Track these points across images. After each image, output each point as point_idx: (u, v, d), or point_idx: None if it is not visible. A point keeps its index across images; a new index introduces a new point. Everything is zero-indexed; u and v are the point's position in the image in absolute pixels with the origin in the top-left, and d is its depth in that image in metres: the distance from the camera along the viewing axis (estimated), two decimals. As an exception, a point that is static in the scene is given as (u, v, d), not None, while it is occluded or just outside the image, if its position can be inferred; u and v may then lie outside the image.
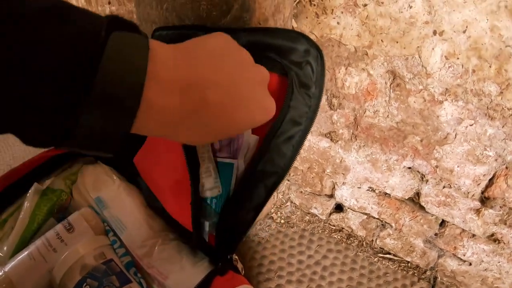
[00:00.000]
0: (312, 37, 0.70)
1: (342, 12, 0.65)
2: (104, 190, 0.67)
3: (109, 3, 1.12)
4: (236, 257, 0.49)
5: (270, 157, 0.46)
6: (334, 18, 0.66)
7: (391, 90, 0.66)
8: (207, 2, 0.65)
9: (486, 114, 0.60)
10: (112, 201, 0.65)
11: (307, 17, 0.69)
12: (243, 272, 0.52)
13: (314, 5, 0.67)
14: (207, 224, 0.55)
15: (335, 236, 0.83)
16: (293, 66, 0.46)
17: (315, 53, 0.45)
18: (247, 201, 0.48)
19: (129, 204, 0.63)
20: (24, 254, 0.60)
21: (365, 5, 0.62)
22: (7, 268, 0.58)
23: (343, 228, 0.86)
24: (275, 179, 0.47)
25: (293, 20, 0.70)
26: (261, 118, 0.34)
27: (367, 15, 0.63)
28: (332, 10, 0.66)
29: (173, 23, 0.72)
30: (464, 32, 0.56)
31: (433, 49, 0.59)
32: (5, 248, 0.63)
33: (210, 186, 0.51)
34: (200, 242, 0.52)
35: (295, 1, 0.71)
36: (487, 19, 0.53)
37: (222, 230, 0.50)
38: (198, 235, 0.52)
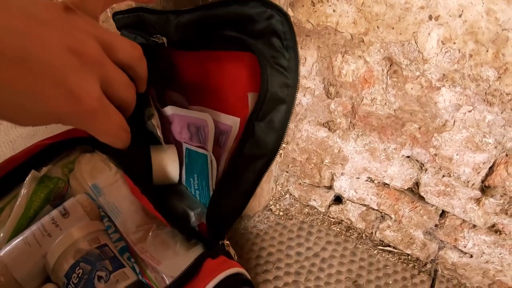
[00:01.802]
0: (309, 25, 0.70)
1: (338, 0, 0.65)
2: (101, 177, 0.67)
3: None
4: (228, 242, 0.49)
5: (255, 139, 0.44)
6: (330, 5, 0.66)
7: (388, 77, 0.66)
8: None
9: (484, 100, 0.59)
10: (108, 188, 0.65)
11: (303, 6, 0.69)
12: (235, 257, 0.52)
13: (310, -7, 0.67)
14: (192, 214, 0.55)
15: (334, 228, 0.82)
16: (258, 39, 0.42)
17: (279, 18, 0.40)
18: (236, 188, 0.47)
19: (124, 191, 0.63)
20: (19, 239, 0.61)
21: (361, -9, 0.62)
22: (1, 252, 0.58)
23: (342, 220, 0.86)
24: (264, 162, 0.46)
25: (289, 8, 0.70)
26: (64, 107, 0.24)
27: (362, 2, 0.62)
28: (328, -3, 0.66)
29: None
30: (460, 16, 0.55)
31: (429, 34, 0.59)
32: (1, 235, 0.64)
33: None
34: (182, 231, 0.52)
35: (291, -10, 0.72)
36: (483, 3, 0.52)
37: (213, 219, 0.50)
38: (174, 225, 0.52)
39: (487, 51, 0.56)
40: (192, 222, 0.53)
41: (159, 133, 0.52)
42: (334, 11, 0.66)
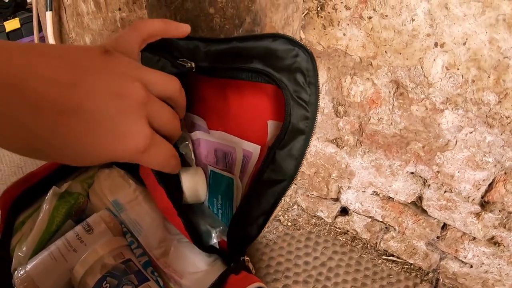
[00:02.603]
0: (319, 47, 0.73)
1: (348, 24, 0.68)
2: (121, 193, 0.70)
3: (120, 9, 1.17)
4: (248, 258, 0.52)
5: (276, 166, 0.48)
6: (340, 29, 0.70)
7: (394, 99, 0.70)
8: (220, 16, 0.68)
9: (485, 122, 0.63)
10: (129, 204, 0.68)
11: (314, 28, 0.73)
12: (253, 272, 0.55)
13: (321, 17, 0.71)
14: (214, 231, 0.59)
15: (340, 239, 0.86)
16: (283, 73, 0.46)
17: (304, 56, 0.43)
18: (256, 209, 0.51)
19: (145, 207, 0.66)
20: (45, 253, 0.62)
21: (370, 17, 0.65)
22: (28, 267, 0.60)
23: (348, 230, 0.89)
24: (283, 186, 0.49)
25: (300, 31, 0.74)
26: (118, 150, 0.26)
27: (371, 27, 0.66)
28: (339, 22, 0.69)
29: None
30: (464, 44, 0.59)
31: (434, 60, 0.62)
32: (24, 249, 0.66)
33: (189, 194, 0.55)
34: (203, 249, 0.55)
35: (302, 13, 0.75)
36: (486, 32, 0.56)
37: (234, 237, 0.53)
38: (198, 243, 0.55)
39: (488, 77, 0.59)
40: (213, 239, 0.57)
41: (192, 156, 0.56)
42: (344, 34, 0.70)
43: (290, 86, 0.45)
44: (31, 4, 1.59)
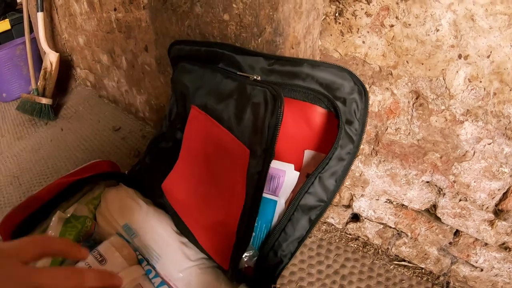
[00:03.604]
0: (336, 54, 0.73)
1: (368, 32, 0.68)
2: (132, 216, 0.69)
3: (115, 9, 1.11)
4: (278, 286, 0.52)
5: (314, 191, 0.50)
6: (359, 37, 0.69)
7: (413, 109, 0.70)
8: (236, 23, 0.66)
9: (504, 134, 0.65)
10: (142, 229, 0.66)
11: (331, 35, 0.72)
12: (279, 290, 0.56)
13: (340, 23, 0.70)
14: (244, 256, 0.58)
15: (352, 245, 0.88)
16: (339, 102, 0.50)
17: (361, 90, 0.49)
18: (291, 233, 0.52)
19: (160, 232, 0.65)
20: None
21: (392, 26, 0.65)
22: None
23: (359, 236, 0.91)
24: (319, 212, 0.52)
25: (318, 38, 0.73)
26: None
27: (393, 36, 0.66)
28: (358, 29, 0.69)
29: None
30: (488, 57, 0.60)
31: (457, 72, 0.63)
32: None
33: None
34: (237, 276, 0.56)
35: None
36: (511, 45, 0.57)
37: (264, 263, 0.53)
38: (234, 272, 0.55)
39: (510, 90, 0.61)
40: (243, 264, 0.56)
41: None
42: (363, 42, 0.70)
43: (344, 115, 0.47)
44: (21, 5, 1.50)
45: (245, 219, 0.51)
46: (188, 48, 0.66)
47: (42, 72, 1.60)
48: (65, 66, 1.75)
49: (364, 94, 0.50)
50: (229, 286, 0.58)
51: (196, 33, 0.73)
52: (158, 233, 0.63)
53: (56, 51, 1.59)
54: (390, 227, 0.86)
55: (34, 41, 1.64)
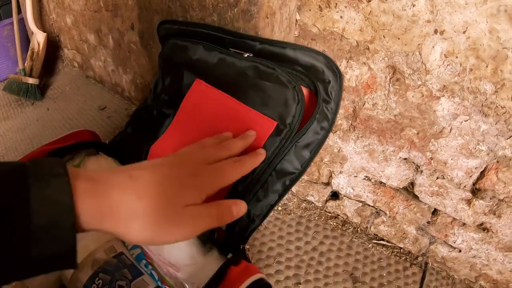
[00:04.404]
0: (315, 29, 0.74)
1: (345, 7, 0.69)
2: None
3: None
4: (248, 247, 0.55)
5: (290, 158, 0.54)
6: (337, 12, 0.70)
7: (390, 84, 0.71)
8: (213, -6, 0.67)
9: (480, 111, 0.65)
10: None
11: (310, 10, 0.73)
12: (252, 261, 0.58)
13: (318, -3, 0.71)
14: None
15: (331, 223, 0.90)
16: (319, 82, 0.53)
17: (336, 73, 0.53)
18: (265, 196, 0.55)
19: None
20: None
21: (369, 0, 0.66)
22: None
23: (338, 215, 0.93)
24: (293, 177, 0.55)
25: (296, 12, 0.73)
26: (189, 235, 0.39)
27: (370, 11, 0.67)
28: (336, 4, 0.69)
29: (176, 13, 0.74)
30: (464, 32, 0.60)
31: (433, 47, 0.64)
32: None
33: None
34: (212, 238, 0.58)
35: (298, -7, 0.74)
36: (487, 21, 0.58)
37: (234, 225, 0.56)
38: (212, 233, 0.58)
39: (486, 66, 0.62)
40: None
41: None
42: (341, 17, 0.70)
43: (322, 94, 0.52)
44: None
45: (246, 185, 0.56)
46: (176, 27, 0.69)
47: (29, 52, 1.62)
48: (53, 47, 1.77)
49: (339, 76, 0.54)
50: (200, 250, 0.60)
51: (176, 5, 0.74)
52: None
53: (44, 32, 1.60)
54: (369, 205, 0.87)
55: (22, 22, 1.66)
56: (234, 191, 0.56)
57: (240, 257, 0.54)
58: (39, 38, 1.56)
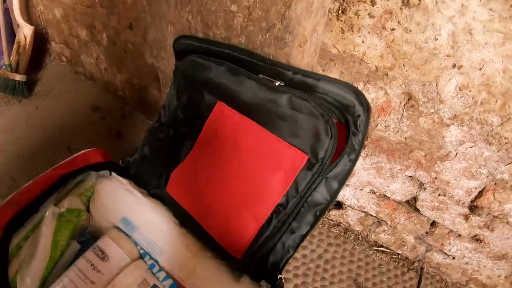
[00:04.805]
0: (334, 50, 0.77)
1: (369, 32, 0.72)
2: (129, 209, 0.71)
3: None
4: (285, 277, 0.59)
5: (320, 190, 0.58)
6: (359, 36, 0.73)
7: (404, 109, 0.76)
8: (244, 16, 0.68)
9: (485, 140, 0.72)
10: (141, 222, 0.69)
11: (331, 31, 0.75)
12: (284, 289, 0.63)
13: (341, 20, 0.73)
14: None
15: (334, 231, 0.96)
16: (349, 115, 0.56)
17: (365, 107, 0.57)
18: (298, 227, 0.59)
19: (161, 225, 0.68)
20: None
21: (393, 29, 0.69)
22: None
23: (340, 223, 1.00)
24: (323, 208, 0.60)
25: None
26: None
27: (393, 39, 0.70)
28: (359, 28, 0.72)
29: (196, 28, 0.74)
30: (480, 69, 0.66)
31: (449, 79, 0.69)
32: (28, 280, 0.64)
33: None
34: (246, 266, 0.62)
35: (322, 15, 0.76)
36: (502, 61, 0.63)
37: (270, 253, 0.60)
38: (248, 262, 0.61)
39: (496, 101, 0.68)
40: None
41: None
42: (363, 41, 0.74)
43: (351, 128, 0.56)
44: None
45: (281, 218, 0.60)
46: (197, 45, 0.69)
47: (15, 46, 1.53)
48: (40, 40, 1.66)
49: (367, 110, 0.56)
50: (232, 276, 0.64)
51: (197, 20, 0.74)
52: (159, 226, 0.67)
53: (31, 24, 1.51)
54: (371, 215, 0.94)
55: (7, 13, 1.55)
56: (270, 224, 0.60)
57: (279, 286, 0.58)
58: (26, 31, 1.47)
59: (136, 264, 0.64)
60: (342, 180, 0.60)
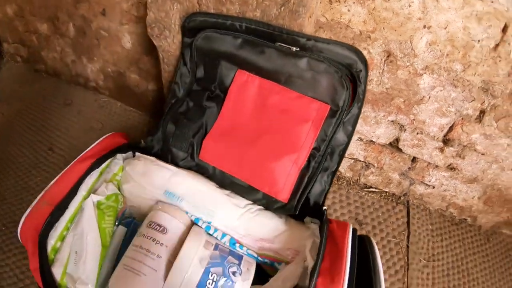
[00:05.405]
0: (323, 19, 1.09)
1: (353, 2, 1.04)
2: (167, 182, 0.94)
3: None
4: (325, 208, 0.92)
5: (340, 133, 0.94)
6: (345, 6, 1.06)
7: (385, 65, 1.12)
8: (261, -9, 0.96)
9: (452, 84, 1.10)
10: (185, 191, 0.93)
11: (320, 2, 1.07)
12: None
13: (329, -7, 1.06)
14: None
15: (329, 179, 1.34)
16: (354, 71, 0.89)
17: (365, 64, 0.92)
18: (329, 165, 0.94)
19: (205, 190, 0.94)
20: (127, 274, 0.79)
21: (373, -1, 1.04)
22: None
23: (334, 171, 1.38)
24: (343, 147, 0.95)
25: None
26: None
27: (374, 7, 1.04)
28: (345, 0, 1.05)
29: (208, 5, 1.01)
30: (445, 28, 1.02)
31: (421, 38, 1.05)
32: (84, 278, 0.78)
33: None
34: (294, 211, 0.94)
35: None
36: (462, 21, 0.99)
37: (313, 190, 0.94)
38: (298, 203, 0.93)
39: (459, 52, 1.06)
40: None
41: None
42: (348, 10, 1.06)
43: (356, 80, 0.91)
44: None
45: (316, 159, 0.92)
46: (213, 20, 0.94)
47: None
48: None
49: (366, 65, 0.90)
50: (281, 220, 0.93)
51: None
52: (203, 192, 0.93)
53: None
54: (360, 160, 1.32)
55: None
56: (309, 166, 0.93)
57: (326, 216, 0.90)
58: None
59: (194, 229, 0.88)
60: (354, 124, 0.93)
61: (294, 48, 0.91)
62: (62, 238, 0.84)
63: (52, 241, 0.82)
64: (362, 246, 0.84)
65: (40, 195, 0.84)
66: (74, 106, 1.62)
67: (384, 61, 1.11)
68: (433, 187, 1.32)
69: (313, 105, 0.92)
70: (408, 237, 1.27)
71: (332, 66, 0.89)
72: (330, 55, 0.91)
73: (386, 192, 1.37)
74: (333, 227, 0.87)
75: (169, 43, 1.08)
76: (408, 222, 1.30)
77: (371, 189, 1.35)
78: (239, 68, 0.98)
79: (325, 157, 0.93)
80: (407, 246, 1.25)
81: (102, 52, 1.46)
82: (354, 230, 0.85)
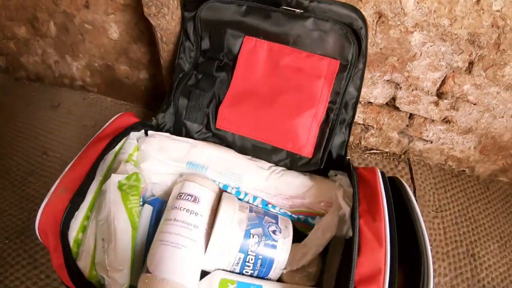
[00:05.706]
0: (314, -13, 1.28)
1: (343, -31, 1.24)
2: (187, 154, 1.05)
3: None
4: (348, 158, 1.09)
5: (350, 86, 1.12)
6: (334, -27, 1.25)
7: (377, 26, 1.32)
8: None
9: (441, 38, 1.30)
10: (207, 161, 1.05)
11: (310, -28, 1.26)
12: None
13: (316, -38, 1.25)
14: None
15: (331, 145, 1.54)
16: (355, 28, 1.08)
17: (365, 22, 1.10)
18: (345, 117, 1.13)
19: (228, 156, 1.07)
20: (167, 250, 0.83)
21: (360, -36, 1.23)
22: (163, 275, 0.81)
23: (335, 137, 1.58)
24: (355, 100, 1.14)
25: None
26: None
27: (362, -28, 1.24)
28: (333, -33, 1.24)
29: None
30: (429, -15, 1.23)
31: (409, -3, 1.26)
32: (115, 261, 0.81)
33: None
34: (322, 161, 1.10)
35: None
36: (444, -22, 1.21)
37: (329, 149, 1.09)
38: (323, 156, 1.10)
39: (445, 8, 1.26)
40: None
41: None
42: (338, -23, 1.26)
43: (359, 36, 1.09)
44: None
45: (334, 112, 1.09)
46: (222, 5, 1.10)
47: None
48: None
49: (365, 22, 1.08)
50: (307, 177, 1.06)
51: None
52: (226, 158, 1.05)
53: None
54: (359, 123, 1.52)
55: None
56: (328, 119, 1.10)
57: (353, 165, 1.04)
58: None
59: (225, 195, 0.98)
60: (361, 78, 1.12)
61: (298, 11, 1.08)
62: (83, 229, 0.88)
63: (73, 233, 0.86)
64: (393, 187, 0.98)
65: (57, 182, 0.89)
66: (62, 108, 1.74)
67: (376, 22, 1.30)
68: (431, 142, 1.53)
69: (324, 62, 1.09)
70: (414, 191, 1.48)
71: (337, 24, 1.06)
72: (332, 15, 1.07)
73: (387, 152, 1.57)
74: (361, 171, 1.02)
75: (168, 21, 1.22)
76: (412, 178, 1.51)
77: (372, 151, 1.56)
78: (246, 34, 1.14)
79: (340, 109, 1.10)
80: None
81: (87, 46, 1.59)
82: (383, 173, 1.01)
